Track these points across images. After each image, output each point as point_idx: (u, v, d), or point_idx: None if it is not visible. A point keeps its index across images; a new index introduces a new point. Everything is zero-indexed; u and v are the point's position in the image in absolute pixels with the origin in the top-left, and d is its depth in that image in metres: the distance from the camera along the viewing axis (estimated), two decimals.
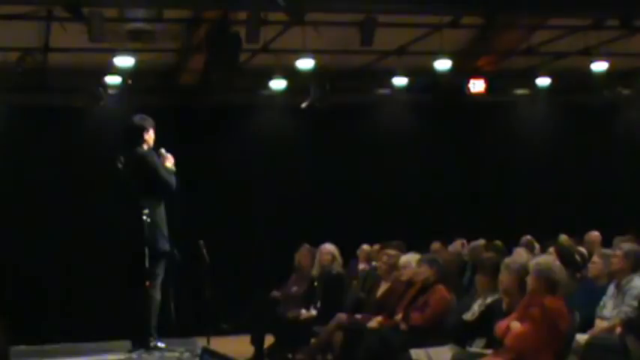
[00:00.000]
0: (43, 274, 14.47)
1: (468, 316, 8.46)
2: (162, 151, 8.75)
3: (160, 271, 8.53)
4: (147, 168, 8.52)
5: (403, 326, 9.30)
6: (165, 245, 8.51)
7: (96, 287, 13.85)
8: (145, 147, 8.68)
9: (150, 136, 8.75)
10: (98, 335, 9.84)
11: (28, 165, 14.59)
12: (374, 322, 9.71)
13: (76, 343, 10.28)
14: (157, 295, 8.51)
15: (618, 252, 8.51)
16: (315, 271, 11.71)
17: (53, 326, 13.79)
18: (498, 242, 12.05)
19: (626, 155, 17.03)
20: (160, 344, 8.45)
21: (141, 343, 8.42)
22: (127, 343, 8.54)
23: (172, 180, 8.58)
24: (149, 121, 8.81)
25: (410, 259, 9.93)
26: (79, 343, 10.04)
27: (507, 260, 8.02)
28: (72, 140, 14.85)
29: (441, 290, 9.34)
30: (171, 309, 8.74)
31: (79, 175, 14.59)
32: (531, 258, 8.22)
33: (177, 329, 8.91)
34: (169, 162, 8.70)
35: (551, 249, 10.01)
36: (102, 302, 13.56)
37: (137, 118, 8.87)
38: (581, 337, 7.84)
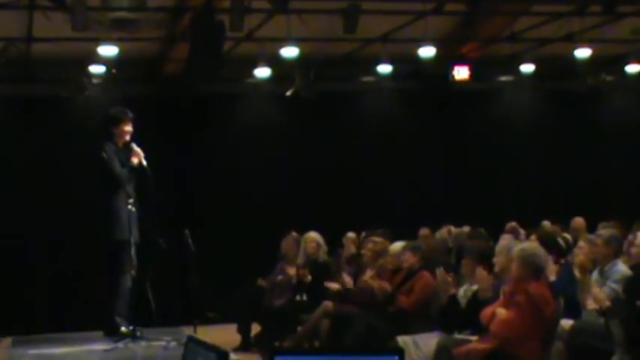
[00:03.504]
0: (29, 264, 14.44)
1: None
2: (133, 145, 8.71)
3: (129, 259, 8.53)
4: (97, 160, 8.56)
5: (391, 308, 9.34)
6: (135, 235, 8.55)
7: (82, 277, 13.81)
8: (117, 139, 8.68)
9: (123, 129, 8.71)
10: (85, 325, 9.83)
11: (12, 155, 14.54)
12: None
13: (63, 332, 10.29)
14: (127, 282, 8.51)
15: (599, 240, 8.52)
16: (299, 260, 11.71)
17: (39, 316, 13.80)
18: (482, 229, 12.09)
19: (610, 141, 17.11)
20: (124, 328, 8.45)
21: (109, 330, 8.47)
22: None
23: (119, 175, 8.54)
24: (123, 114, 8.79)
25: (399, 247, 9.96)
26: (66, 333, 10.04)
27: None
28: (56, 130, 14.81)
29: (425, 276, 9.38)
30: (149, 299, 8.75)
31: (64, 164, 14.55)
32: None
33: (162, 318, 8.92)
34: (137, 158, 8.66)
35: (533, 236, 10.05)
36: (88, 292, 13.54)
37: (111, 111, 8.88)
38: (566, 323, 7.89)
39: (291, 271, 11.63)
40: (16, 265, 14.24)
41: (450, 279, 8.79)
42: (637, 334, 7.45)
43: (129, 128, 8.76)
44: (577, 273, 7.95)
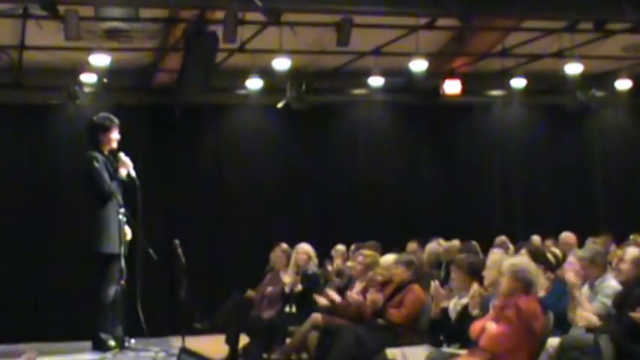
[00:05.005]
0: (15, 271, 14.37)
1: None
2: (121, 155, 8.67)
3: (117, 272, 8.50)
4: (86, 170, 8.53)
5: (380, 321, 9.33)
6: (124, 245, 8.54)
7: (70, 287, 13.75)
8: (103, 147, 8.63)
9: (110, 136, 8.65)
10: (72, 335, 9.79)
11: (2, 163, 14.51)
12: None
13: (51, 342, 10.24)
14: (113, 296, 8.48)
15: (584, 261, 8.47)
16: (288, 274, 11.64)
17: (25, 325, 13.72)
18: (474, 243, 12.10)
19: (599, 157, 17.18)
20: (111, 342, 8.43)
21: (96, 346, 8.45)
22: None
23: (105, 188, 8.50)
24: (110, 121, 8.72)
25: (391, 260, 9.94)
26: (54, 343, 10.00)
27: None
28: (47, 138, 14.80)
29: (416, 290, 9.37)
30: (138, 310, 8.72)
31: (54, 173, 14.54)
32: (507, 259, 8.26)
33: (150, 329, 8.89)
34: (125, 169, 8.61)
35: (523, 250, 10.04)
36: (76, 302, 13.48)
37: (97, 118, 8.80)
38: (556, 338, 7.88)
39: (286, 278, 11.57)
40: (2, 274, 14.16)
41: (444, 292, 8.80)
42: (626, 349, 7.46)
43: (116, 135, 8.71)
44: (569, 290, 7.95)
